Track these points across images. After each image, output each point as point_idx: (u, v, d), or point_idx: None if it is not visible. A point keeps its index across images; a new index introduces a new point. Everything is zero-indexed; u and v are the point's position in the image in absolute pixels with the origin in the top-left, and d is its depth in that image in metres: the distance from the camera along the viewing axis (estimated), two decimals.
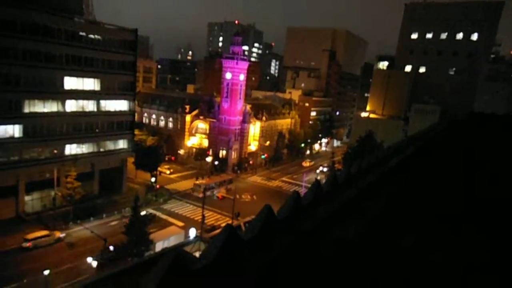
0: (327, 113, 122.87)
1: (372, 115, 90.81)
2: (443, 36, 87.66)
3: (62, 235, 43.77)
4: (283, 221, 4.78)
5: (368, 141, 64.48)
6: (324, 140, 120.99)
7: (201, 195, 52.75)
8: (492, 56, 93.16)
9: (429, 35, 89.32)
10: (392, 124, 75.68)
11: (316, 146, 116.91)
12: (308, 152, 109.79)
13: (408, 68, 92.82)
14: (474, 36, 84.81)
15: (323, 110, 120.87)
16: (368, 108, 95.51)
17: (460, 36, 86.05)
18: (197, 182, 65.12)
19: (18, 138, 47.67)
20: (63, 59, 51.27)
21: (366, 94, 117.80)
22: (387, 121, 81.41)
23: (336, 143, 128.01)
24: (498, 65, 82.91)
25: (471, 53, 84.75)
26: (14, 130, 47.37)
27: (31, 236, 41.18)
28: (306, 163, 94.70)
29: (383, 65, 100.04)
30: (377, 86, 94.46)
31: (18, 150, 47.89)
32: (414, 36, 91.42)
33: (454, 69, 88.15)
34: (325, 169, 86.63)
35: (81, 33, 54.76)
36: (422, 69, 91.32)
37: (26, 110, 48.39)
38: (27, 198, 49.83)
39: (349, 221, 5.76)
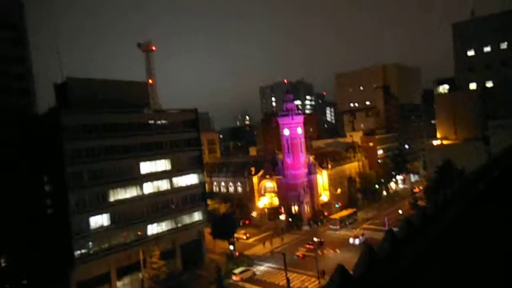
0: (395, 149, 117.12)
1: (445, 142, 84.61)
2: (503, 45, 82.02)
3: None
4: (359, 279, 4.60)
5: (447, 169, 59.51)
6: (399, 177, 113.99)
7: (338, 227, 72.78)
8: None
9: (487, 48, 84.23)
10: (470, 147, 69.38)
11: (393, 185, 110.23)
12: (384, 192, 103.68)
13: (472, 85, 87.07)
14: None
15: (390, 146, 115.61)
16: (438, 135, 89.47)
17: None
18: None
19: (107, 226, 52.03)
20: (137, 148, 56.87)
21: (432, 121, 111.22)
22: (464, 145, 74.98)
23: (413, 177, 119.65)
24: None
25: None
26: (103, 220, 51.97)
27: None
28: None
29: (444, 88, 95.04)
30: (443, 110, 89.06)
31: (108, 238, 51.94)
32: (471, 53, 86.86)
33: None
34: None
35: (150, 122, 61.01)
36: (489, 84, 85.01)
37: (111, 199, 53.29)
38: (119, 284, 52.65)
39: (429, 271, 5.31)
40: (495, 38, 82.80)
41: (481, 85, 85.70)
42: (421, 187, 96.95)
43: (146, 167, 57.92)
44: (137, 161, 56.85)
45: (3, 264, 48.72)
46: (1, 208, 46.94)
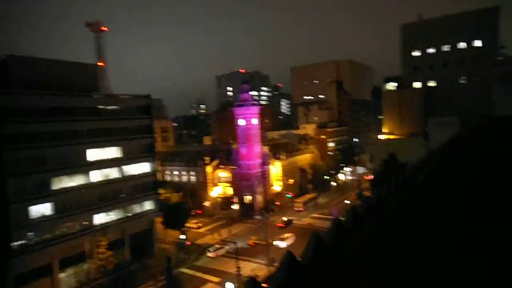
0: (345, 142, 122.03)
1: (390, 136, 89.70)
2: (445, 48, 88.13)
3: None
4: (307, 265, 4.81)
5: (391, 163, 63.27)
6: (347, 169, 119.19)
7: (302, 209, 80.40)
8: (501, 58, 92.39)
9: (431, 50, 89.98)
10: (413, 142, 74.14)
11: (341, 176, 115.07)
12: (334, 183, 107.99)
13: (416, 84, 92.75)
14: (477, 43, 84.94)
15: (340, 139, 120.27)
16: (384, 130, 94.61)
17: (462, 45, 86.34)
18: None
19: (49, 215, 49.13)
20: (85, 134, 53.94)
21: (380, 117, 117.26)
22: (407, 140, 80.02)
23: (360, 170, 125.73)
24: (507, 67, 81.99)
25: (477, 59, 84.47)
26: (45, 209, 48.98)
27: None
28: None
29: (391, 85, 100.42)
30: (389, 107, 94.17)
31: (50, 228, 49.12)
32: (416, 53, 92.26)
33: (463, 77, 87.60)
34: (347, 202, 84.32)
35: (99, 107, 58.05)
36: (431, 83, 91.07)
37: (55, 187, 50.29)
38: (61, 275, 50.19)
39: (376, 253, 5.68)
40: (438, 40, 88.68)
41: (424, 84, 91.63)
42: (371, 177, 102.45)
43: (94, 154, 55.24)
44: (84, 148, 54.00)
45: None
46: None
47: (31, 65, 51.57)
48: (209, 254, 57.65)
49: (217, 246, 60.24)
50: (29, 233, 46.82)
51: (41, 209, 48.55)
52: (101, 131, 56.03)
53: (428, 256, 5.61)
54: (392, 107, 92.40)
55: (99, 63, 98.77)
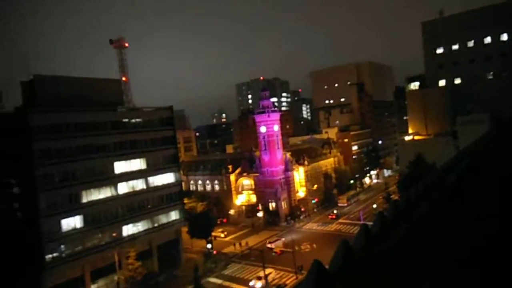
0: (369, 144, 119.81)
1: (416, 137, 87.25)
2: (470, 43, 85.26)
3: None
4: (336, 274, 4.61)
5: (419, 164, 61.36)
6: (373, 172, 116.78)
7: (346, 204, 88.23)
8: None
9: (455, 46, 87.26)
10: (440, 142, 71.76)
11: (367, 180, 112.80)
12: (359, 187, 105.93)
13: (441, 82, 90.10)
14: (504, 37, 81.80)
15: (364, 142, 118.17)
16: (410, 130, 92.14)
17: (488, 40, 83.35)
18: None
19: (80, 228, 50.47)
20: (111, 147, 55.39)
21: (404, 117, 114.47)
22: (434, 140, 77.51)
23: (386, 172, 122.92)
24: None
25: (505, 53, 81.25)
26: (75, 221, 50.37)
27: None
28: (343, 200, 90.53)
29: (415, 85, 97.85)
30: (414, 107, 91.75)
31: (81, 240, 50.41)
32: (440, 50, 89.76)
33: (491, 73, 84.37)
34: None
35: (123, 120, 59.58)
36: (457, 81, 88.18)
37: (84, 200, 51.70)
38: (93, 287, 51.26)
39: (407, 260, 5.40)
40: (462, 36, 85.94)
41: (450, 82, 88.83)
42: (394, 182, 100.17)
43: (120, 166, 56.55)
44: (111, 161, 55.41)
45: None
46: None
47: (57, 83, 53.57)
48: (268, 245, 63.15)
49: (275, 238, 66.41)
50: (61, 246, 48.22)
51: (72, 222, 49.95)
52: (126, 143, 57.39)
53: (461, 264, 5.26)
54: (417, 107, 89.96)
55: (122, 78, 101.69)
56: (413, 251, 5.91)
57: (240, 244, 66.81)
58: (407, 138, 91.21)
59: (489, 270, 4.94)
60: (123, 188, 56.56)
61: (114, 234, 54.21)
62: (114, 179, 55.46)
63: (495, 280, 4.64)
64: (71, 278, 48.27)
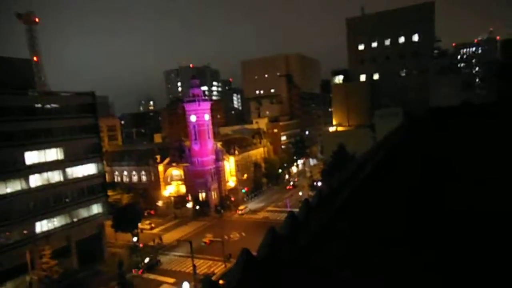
0: (297, 135, 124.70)
1: (339, 128, 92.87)
2: (387, 42, 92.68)
3: None
4: (263, 260, 4.53)
5: (341, 154, 65.45)
6: (300, 162, 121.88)
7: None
8: (436, 51, 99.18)
9: (374, 44, 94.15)
10: (360, 133, 77.30)
11: (294, 169, 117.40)
12: (286, 176, 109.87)
13: (362, 77, 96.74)
14: (415, 37, 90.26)
15: (293, 132, 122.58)
16: (334, 122, 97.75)
17: (402, 39, 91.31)
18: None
19: None
20: (21, 135, 49.56)
21: (329, 109, 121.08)
22: (355, 132, 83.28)
23: (312, 161, 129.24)
24: (441, 60, 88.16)
25: (416, 53, 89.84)
26: None
27: None
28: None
29: (339, 79, 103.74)
30: (338, 99, 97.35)
31: None
32: (361, 47, 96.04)
33: (404, 70, 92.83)
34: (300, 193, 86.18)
35: (36, 105, 53.71)
36: (375, 76, 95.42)
37: None
38: None
39: (328, 247, 5.54)
40: (380, 34, 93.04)
41: (369, 77, 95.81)
42: (295, 180, 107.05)
43: (32, 157, 51.05)
44: (20, 151, 49.69)
45: None
46: None
47: None
48: (239, 212, 73.96)
49: (245, 206, 75.57)
50: None
51: None
52: (39, 131, 51.93)
53: (382, 245, 5.54)
54: (340, 100, 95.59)
55: (33, 58, 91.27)
56: (336, 236, 6.09)
57: (160, 238, 64.80)
58: (331, 129, 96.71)
59: (406, 249, 5.25)
60: (36, 180, 51.28)
61: (25, 232, 49.03)
62: (25, 171, 49.93)
63: (410, 258, 4.93)
64: None
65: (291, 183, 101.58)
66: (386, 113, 75.44)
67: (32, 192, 50.36)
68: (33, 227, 50.06)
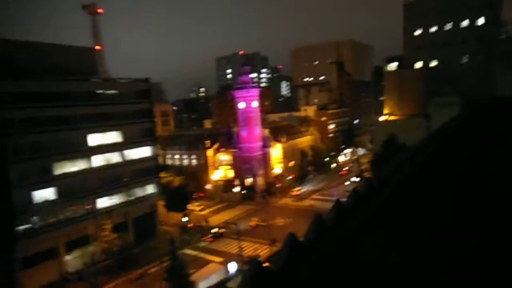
0: (346, 124, 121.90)
1: (390, 118, 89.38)
2: (448, 26, 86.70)
3: None
4: (309, 245, 4.88)
5: (391, 144, 63.24)
6: (348, 150, 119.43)
7: None
8: (503, 36, 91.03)
9: (433, 29, 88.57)
10: (413, 123, 73.82)
11: (342, 158, 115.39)
12: (334, 165, 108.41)
13: (418, 64, 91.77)
14: (480, 21, 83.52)
15: (341, 121, 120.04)
16: (385, 111, 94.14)
17: (465, 23, 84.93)
18: None
19: (53, 200, 49.61)
20: (84, 119, 53.79)
21: (381, 98, 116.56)
22: (407, 121, 79.66)
23: (361, 151, 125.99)
24: (509, 45, 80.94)
25: (480, 38, 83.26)
26: (48, 193, 49.40)
27: None
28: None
29: (393, 66, 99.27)
30: (390, 88, 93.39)
31: (54, 212, 49.69)
32: (418, 32, 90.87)
33: (466, 56, 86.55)
34: (353, 179, 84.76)
35: (98, 91, 57.75)
36: (433, 63, 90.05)
37: (57, 172, 50.55)
38: (67, 257, 51.15)
39: (370, 237, 5.75)
40: (440, 19, 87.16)
41: (426, 64, 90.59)
42: (349, 166, 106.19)
43: (94, 139, 55.29)
44: (84, 133, 54.01)
45: None
46: None
47: (25, 49, 50.93)
48: (293, 193, 78.36)
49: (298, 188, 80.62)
50: (33, 217, 47.43)
51: (44, 194, 48.99)
52: (100, 116, 55.87)
53: (429, 234, 5.66)
54: (393, 88, 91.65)
55: (96, 47, 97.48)
56: (383, 225, 6.28)
57: (206, 221, 67.19)
58: (381, 118, 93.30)
59: (457, 241, 5.35)
60: (98, 161, 55.57)
61: (88, 207, 53.68)
62: (88, 152, 54.31)
63: (461, 250, 5.05)
64: (45, 248, 47.85)
65: (345, 168, 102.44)
66: (443, 102, 71.35)
67: (95, 171, 54.73)
68: (95, 203, 54.58)
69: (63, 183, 50.66)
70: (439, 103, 72.25)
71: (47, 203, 48.89)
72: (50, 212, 49.13)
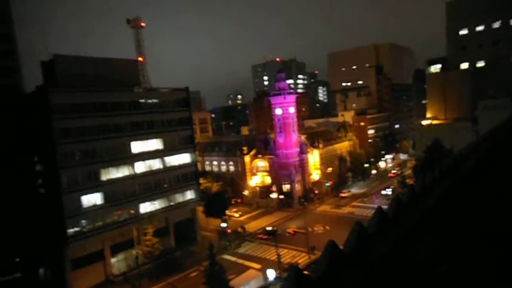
0: (386, 128, 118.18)
1: (434, 122, 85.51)
2: (496, 25, 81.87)
3: None
4: (350, 254, 4.82)
5: (436, 149, 60.40)
6: (389, 156, 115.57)
7: None
8: None
9: (479, 28, 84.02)
10: (459, 127, 70.07)
11: (382, 164, 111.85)
12: (374, 171, 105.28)
13: (464, 65, 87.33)
14: None
15: (381, 126, 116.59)
16: (428, 115, 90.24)
17: None
18: None
19: (99, 204, 52.21)
20: (128, 127, 56.39)
21: (423, 101, 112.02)
22: (453, 125, 75.78)
23: (402, 157, 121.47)
24: None
25: None
26: (95, 198, 52.08)
27: None
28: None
29: (436, 68, 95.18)
30: (434, 90, 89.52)
31: (101, 216, 52.24)
32: (463, 32, 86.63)
33: None
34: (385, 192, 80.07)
35: (140, 101, 60.33)
36: (480, 64, 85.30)
37: (103, 178, 53.22)
38: (113, 260, 53.42)
39: (421, 242, 5.55)
40: (488, 17, 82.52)
41: (472, 64, 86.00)
42: (396, 169, 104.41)
43: (137, 146, 57.68)
44: (128, 140, 56.51)
45: None
46: None
47: (76, 63, 54.37)
48: (342, 195, 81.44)
49: (347, 190, 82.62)
50: (81, 221, 50.14)
51: (92, 199, 51.68)
52: (143, 124, 58.30)
53: (478, 245, 5.39)
54: (437, 91, 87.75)
55: (139, 58, 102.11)
56: (428, 234, 6.05)
57: (243, 228, 67.19)
58: (424, 122, 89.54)
59: (507, 251, 5.06)
60: (140, 167, 57.83)
61: (132, 211, 55.91)
62: (132, 159, 56.72)
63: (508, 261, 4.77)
64: (92, 251, 50.35)
65: (393, 171, 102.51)
66: (493, 105, 67.31)
67: (137, 177, 57.01)
68: (138, 208, 56.75)
69: (109, 188, 53.22)
70: (488, 105, 68.26)
71: (94, 207, 51.49)
72: (97, 216, 51.71)
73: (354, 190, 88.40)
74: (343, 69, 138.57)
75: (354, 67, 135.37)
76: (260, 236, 62.06)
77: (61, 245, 48.29)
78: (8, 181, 48.79)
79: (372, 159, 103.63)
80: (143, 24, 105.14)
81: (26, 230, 48.80)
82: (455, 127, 71.74)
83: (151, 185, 58.76)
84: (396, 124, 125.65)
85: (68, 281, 48.04)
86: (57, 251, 48.68)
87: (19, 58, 55.75)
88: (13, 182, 49.44)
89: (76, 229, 49.66)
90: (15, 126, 50.73)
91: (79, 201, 50.15)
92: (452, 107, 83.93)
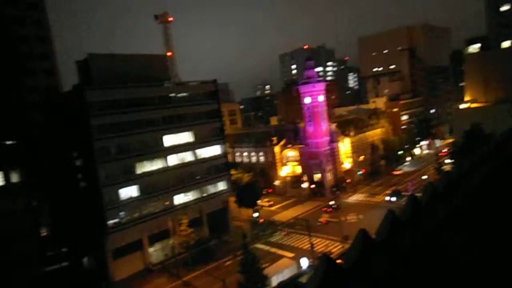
0: (420, 114, 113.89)
1: (473, 105, 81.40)
2: None
3: None
4: (382, 242, 4.73)
5: (475, 134, 57.62)
6: (424, 143, 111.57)
7: None
8: None
9: None
10: (501, 110, 66.35)
11: (417, 151, 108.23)
12: (409, 158, 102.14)
13: (506, 44, 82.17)
14: None
15: (415, 111, 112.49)
16: (466, 98, 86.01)
17: None
18: None
19: (136, 197, 54.21)
20: (160, 121, 57.84)
21: (461, 84, 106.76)
22: (493, 108, 71.78)
23: (438, 143, 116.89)
24: None
25: None
26: (132, 191, 54.10)
27: None
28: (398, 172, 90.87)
29: (474, 48, 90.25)
30: (472, 72, 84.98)
31: (138, 207, 54.26)
32: (505, 7, 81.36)
33: None
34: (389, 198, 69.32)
35: (170, 95, 61.58)
36: None
37: (138, 171, 55.10)
38: (150, 250, 55.51)
39: (454, 234, 5.37)
40: None
41: None
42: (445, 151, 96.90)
43: (169, 140, 59.07)
44: (160, 134, 58.00)
45: (45, 234, 52.10)
46: (40, 183, 49.77)
47: (109, 61, 56.13)
48: (395, 173, 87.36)
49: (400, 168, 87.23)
50: (120, 213, 52.35)
51: (129, 191, 53.72)
52: (174, 117, 59.54)
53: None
54: (476, 72, 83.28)
55: (168, 53, 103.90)
56: (463, 223, 5.83)
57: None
58: (462, 106, 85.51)
59: None
60: (173, 160, 59.27)
61: (167, 203, 57.61)
62: (164, 152, 58.22)
63: None
64: (130, 242, 52.56)
65: (444, 150, 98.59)
66: None
67: (170, 170, 58.53)
68: (173, 199, 58.39)
69: (144, 181, 55.07)
70: None
71: (131, 199, 53.54)
72: (134, 208, 53.77)
73: (406, 169, 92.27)
74: (374, 53, 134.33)
75: (385, 51, 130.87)
76: (324, 209, 68.00)
77: (102, 235, 50.72)
78: (54, 176, 51.80)
79: (406, 146, 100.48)
80: (170, 19, 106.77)
81: (71, 222, 51.77)
82: (496, 110, 67.96)
83: (184, 177, 60.13)
84: (432, 109, 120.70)
85: (110, 270, 50.49)
86: (99, 242, 51.21)
87: (56, 59, 58.51)
88: (58, 178, 52.41)
89: (115, 220, 51.91)
90: (57, 124, 53.53)
91: (117, 194, 52.28)
92: (492, 89, 79.39)
